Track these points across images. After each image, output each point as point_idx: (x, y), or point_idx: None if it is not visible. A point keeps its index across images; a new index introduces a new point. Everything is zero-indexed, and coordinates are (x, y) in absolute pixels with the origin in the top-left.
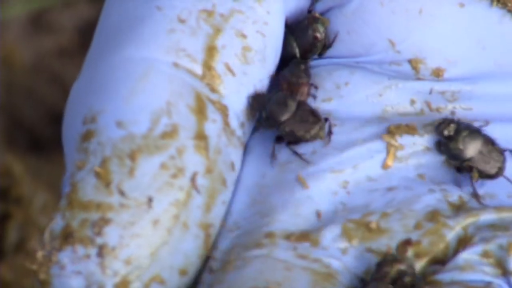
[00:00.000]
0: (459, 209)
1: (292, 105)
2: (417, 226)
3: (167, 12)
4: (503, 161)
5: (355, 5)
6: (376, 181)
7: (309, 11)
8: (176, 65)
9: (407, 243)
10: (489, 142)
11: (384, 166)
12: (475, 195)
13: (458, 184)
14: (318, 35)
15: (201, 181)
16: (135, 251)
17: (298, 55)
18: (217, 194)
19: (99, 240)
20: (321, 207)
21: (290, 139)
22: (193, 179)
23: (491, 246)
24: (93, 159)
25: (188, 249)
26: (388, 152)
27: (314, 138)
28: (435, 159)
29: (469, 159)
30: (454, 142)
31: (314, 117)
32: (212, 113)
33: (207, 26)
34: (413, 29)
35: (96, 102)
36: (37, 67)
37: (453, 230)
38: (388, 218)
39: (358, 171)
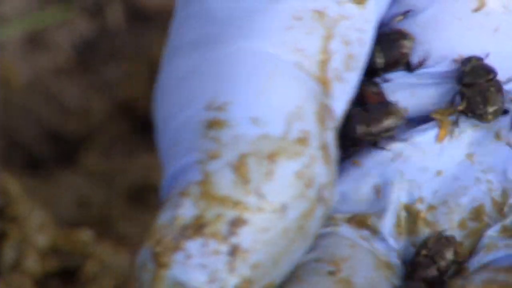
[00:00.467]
0: (501, 207)
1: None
2: (461, 225)
3: (284, 7)
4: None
5: (429, 15)
6: (427, 156)
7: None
8: (299, 66)
9: (449, 241)
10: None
11: (438, 139)
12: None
13: (506, 166)
14: (406, 51)
15: (326, 193)
16: (263, 257)
17: (382, 67)
18: (331, 205)
19: (233, 239)
20: (378, 181)
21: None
22: (320, 191)
23: (507, 222)
24: (229, 152)
25: (298, 258)
26: (440, 127)
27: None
28: (486, 136)
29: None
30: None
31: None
32: (330, 121)
33: (321, 27)
34: (486, 47)
35: (222, 90)
36: (33, 85)
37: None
38: (435, 211)
39: (411, 145)
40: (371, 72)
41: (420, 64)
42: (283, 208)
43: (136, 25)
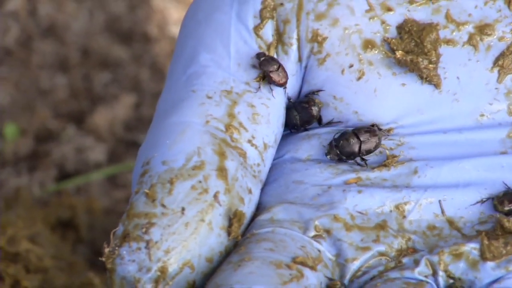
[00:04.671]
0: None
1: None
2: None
3: (199, 93)
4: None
5: (329, 88)
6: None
7: (307, 95)
8: (206, 123)
9: None
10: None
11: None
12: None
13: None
14: (314, 113)
15: (222, 197)
16: (172, 244)
17: (298, 124)
18: (235, 208)
19: (146, 237)
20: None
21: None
22: (215, 196)
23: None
24: (145, 186)
25: (212, 244)
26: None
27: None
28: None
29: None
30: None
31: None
32: (231, 154)
33: (227, 100)
34: (371, 104)
35: (150, 151)
36: (111, 212)
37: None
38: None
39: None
40: (293, 126)
41: (328, 123)
42: (182, 210)
43: None
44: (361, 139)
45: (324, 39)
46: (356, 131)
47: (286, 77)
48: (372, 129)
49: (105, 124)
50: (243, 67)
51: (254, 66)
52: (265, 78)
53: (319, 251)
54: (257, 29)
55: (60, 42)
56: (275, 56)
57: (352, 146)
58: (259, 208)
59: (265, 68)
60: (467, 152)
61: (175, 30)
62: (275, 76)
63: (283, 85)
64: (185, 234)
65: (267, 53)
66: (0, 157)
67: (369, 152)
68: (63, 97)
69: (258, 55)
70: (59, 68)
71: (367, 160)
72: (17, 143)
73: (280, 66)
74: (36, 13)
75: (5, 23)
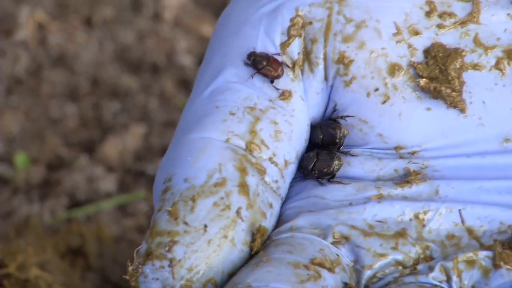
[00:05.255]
0: None
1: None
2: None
3: (222, 109)
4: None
5: (355, 110)
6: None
7: (333, 119)
8: (227, 140)
9: None
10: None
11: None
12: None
13: None
14: (337, 139)
15: (244, 213)
16: (195, 261)
17: (320, 144)
18: (258, 222)
19: (169, 255)
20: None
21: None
22: (238, 211)
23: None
24: (167, 203)
25: (235, 259)
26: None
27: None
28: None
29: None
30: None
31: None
32: (251, 170)
33: (250, 116)
34: (396, 128)
35: (172, 168)
36: (121, 240)
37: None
38: None
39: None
40: (313, 145)
41: (345, 152)
42: (205, 227)
43: None
44: (320, 157)
45: (351, 61)
46: (319, 151)
47: (278, 67)
48: (333, 153)
49: (115, 154)
50: (267, 83)
51: (247, 65)
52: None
53: (337, 255)
54: (283, 46)
55: (70, 71)
56: (279, 59)
57: (309, 160)
58: (280, 221)
59: (256, 68)
60: (490, 175)
61: (183, 59)
62: (266, 71)
63: (277, 77)
64: (208, 251)
65: (257, 52)
66: (12, 185)
67: (321, 172)
68: (73, 126)
69: (249, 56)
70: (69, 97)
71: (332, 180)
72: (28, 171)
73: (269, 59)
74: (46, 42)
75: (15, 53)
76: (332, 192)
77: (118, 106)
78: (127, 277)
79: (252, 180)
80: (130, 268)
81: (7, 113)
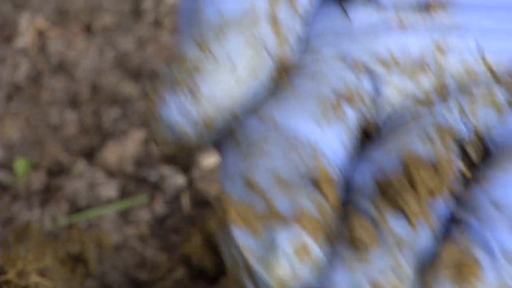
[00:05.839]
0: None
1: None
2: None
3: None
4: None
5: None
6: None
7: None
8: None
9: None
10: None
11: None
12: None
13: None
14: None
15: (273, 48)
16: (218, 93)
17: None
18: (284, 55)
19: (193, 85)
20: None
21: None
22: (266, 47)
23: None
24: (195, 32)
25: (259, 93)
26: None
27: None
28: None
29: None
30: None
31: None
32: (282, 2)
33: None
34: None
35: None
36: (122, 247)
37: None
38: None
39: None
40: None
41: None
42: (232, 60)
43: (198, 208)
44: None
45: None
46: None
47: None
48: None
49: (115, 159)
50: None
51: None
52: None
53: (357, 86)
54: None
55: (70, 78)
56: None
57: None
58: (304, 50)
59: None
60: None
61: None
62: None
63: None
64: (233, 84)
65: None
66: (12, 191)
67: None
68: (73, 133)
69: None
70: (69, 104)
71: None
72: (29, 177)
73: None
74: (46, 49)
75: (15, 60)
76: (356, 20)
77: (118, 112)
78: (148, 104)
79: (283, 13)
80: (151, 95)
81: (7, 119)
